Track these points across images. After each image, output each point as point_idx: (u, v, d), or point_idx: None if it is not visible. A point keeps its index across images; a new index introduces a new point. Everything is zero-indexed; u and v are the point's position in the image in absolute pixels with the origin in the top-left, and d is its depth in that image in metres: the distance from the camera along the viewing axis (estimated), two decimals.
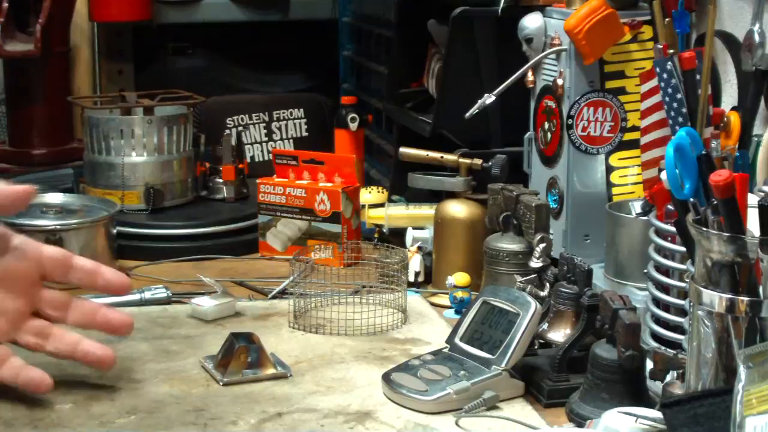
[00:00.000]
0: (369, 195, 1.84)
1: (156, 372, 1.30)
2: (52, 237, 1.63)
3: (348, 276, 1.59)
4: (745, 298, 0.98)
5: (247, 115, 2.37)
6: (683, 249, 1.15)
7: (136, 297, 1.55)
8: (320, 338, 1.42)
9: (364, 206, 1.79)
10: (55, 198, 1.78)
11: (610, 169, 1.54)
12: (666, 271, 1.23)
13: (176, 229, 1.83)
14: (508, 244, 1.43)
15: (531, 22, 1.58)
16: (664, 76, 1.36)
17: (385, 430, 1.16)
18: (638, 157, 1.49)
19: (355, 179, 1.78)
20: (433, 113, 1.78)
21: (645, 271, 1.26)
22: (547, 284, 1.33)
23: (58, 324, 1.24)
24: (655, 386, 1.17)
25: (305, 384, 1.27)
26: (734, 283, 0.99)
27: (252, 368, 1.28)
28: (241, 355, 1.28)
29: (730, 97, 1.50)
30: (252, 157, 2.34)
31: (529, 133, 1.63)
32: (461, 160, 1.61)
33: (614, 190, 1.53)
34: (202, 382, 1.27)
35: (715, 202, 0.99)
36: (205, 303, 1.49)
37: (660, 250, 1.24)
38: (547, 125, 1.58)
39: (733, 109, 1.41)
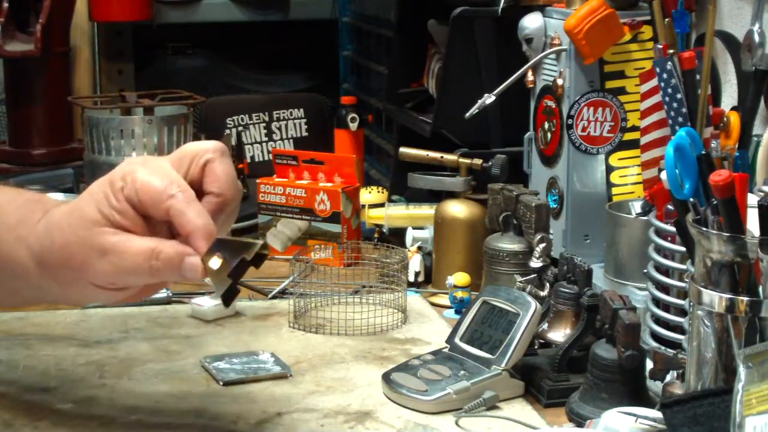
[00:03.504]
0: (369, 195, 1.84)
1: (156, 372, 1.30)
2: None
3: (348, 276, 1.59)
4: (745, 298, 0.98)
5: (247, 115, 2.37)
6: (683, 249, 1.15)
7: None
8: (320, 338, 1.42)
9: (364, 206, 1.79)
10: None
11: (610, 169, 1.54)
12: (666, 271, 1.23)
13: None
14: (508, 244, 1.43)
15: (531, 22, 1.58)
16: (664, 76, 1.36)
17: (385, 430, 1.16)
18: (638, 157, 1.49)
19: (355, 179, 1.78)
20: (433, 113, 1.78)
21: (645, 271, 1.26)
22: (547, 284, 1.33)
23: None
24: (655, 386, 1.18)
25: (305, 384, 1.27)
26: (734, 283, 0.99)
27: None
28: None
29: (730, 97, 1.50)
30: (252, 157, 2.34)
31: (529, 133, 1.63)
32: (461, 160, 1.61)
33: (614, 190, 1.53)
34: (202, 382, 1.27)
35: (715, 202, 0.99)
36: (205, 303, 1.49)
37: (660, 250, 1.24)
38: (547, 125, 1.58)
39: (733, 109, 1.41)
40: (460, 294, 1.50)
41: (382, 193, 1.86)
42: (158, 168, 1.01)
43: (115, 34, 2.70)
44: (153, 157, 1.03)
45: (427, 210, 1.75)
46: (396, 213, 1.78)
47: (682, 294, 1.19)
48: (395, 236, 1.77)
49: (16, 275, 1.05)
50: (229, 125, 2.34)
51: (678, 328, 1.20)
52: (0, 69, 2.45)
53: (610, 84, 1.53)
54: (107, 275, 1.01)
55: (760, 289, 0.98)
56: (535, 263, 1.35)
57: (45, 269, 1.02)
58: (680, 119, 1.35)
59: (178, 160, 1.04)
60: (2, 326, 1.45)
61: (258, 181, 1.82)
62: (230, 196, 1.04)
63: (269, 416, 1.18)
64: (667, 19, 1.41)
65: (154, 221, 1.01)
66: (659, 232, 1.25)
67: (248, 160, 2.26)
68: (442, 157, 1.63)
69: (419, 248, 1.64)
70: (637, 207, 1.39)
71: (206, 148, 1.04)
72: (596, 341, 1.20)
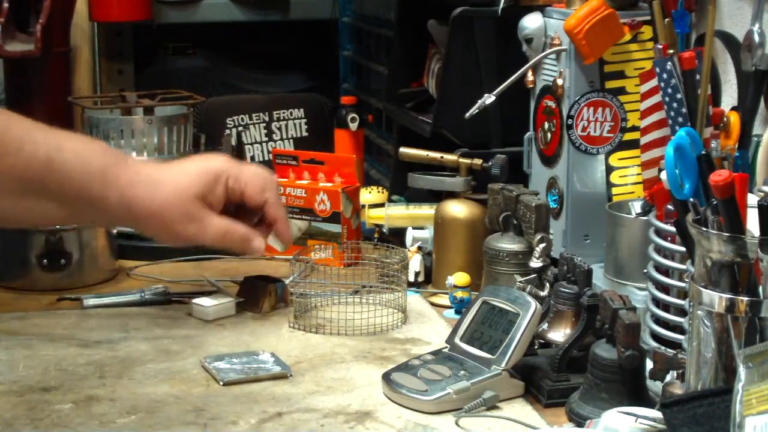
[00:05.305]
0: (369, 195, 1.84)
1: (156, 372, 1.30)
2: (53, 237, 1.63)
3: (348, 276, 1.59)
4: (745, 298, 0.98)
5: (247, 115, 2.36)
6: (683, 249, 1.15)
7: (136, 297, 1.55)
8: (320, 338, 1.42)
9: (364, 206, 1.79)
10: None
11: (610, 169, 1.54)
12: (666, 271, 1.23)
13: None
14: (508, 244, 1.43)
15: (531, 22, 1.58)
16: (664, 76, 1.36)
17: (385, 430, 1.16)
18: (638, 157, 1.49)
19: (355, 179, 1.78)
20: (433, 113, 1.78)
21: (645, 271, 1.26)
22: (547, 284, 1.33)
23: None
24: (655, 386, 1.18)
25: (305, 384, 1.27)
26: (734, 283, 0.99)
27: (279, 302, 1.51)
28: (271, 292, 1.47)
29: (729, 97, 1.50)
30: (252, 157, 2.34)
31: (529, 133, 1.64)
32: (461, 160, 1.61)
33: (614, 190, 1.53)
34: (202, 382, 1.27)
35: (715, 202, 0.99)
36: (205, 303, 1.49)
37: (660, 250, 1.24)
38: (547, 125, 1.58)
39: (733, 109, 1.41)
40: (460, 294, 1.51)
41: (382, 193, 1.86)
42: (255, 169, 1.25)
43: (115, 34, 2.70)
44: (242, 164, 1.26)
45: (427, 210, 1.75)
46: (396, 213, 1.78)
47: (682, 294, 1.19)
48: (395, 236, 1.77)
49: (94, 208, 1.19)
50: (229, 125, 2.33)
51: (678, 328, 1.20)
52: (0, 69, 2.45)
53: (610, 84, 1.53)
54: (189, 236, 1.21)
55: (760, 289, 0.98)
56: (535, 263, 1.35)
57: (132, 213, 1.19)
58: (680, 119, 1.35)
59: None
60: (2, 326, 1.45)
61: None
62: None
63: (269, 416, 1.18)
64: (667, 19, 1.41)
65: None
66: (659, 232, 1.25)
67: (248, 160, 2.26)
68: (442, 157, 1.63)
69: (419, 248, 1.64)
70: (637, 207, 1.39)
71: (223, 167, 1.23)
72: (596, 341, 1.20)
